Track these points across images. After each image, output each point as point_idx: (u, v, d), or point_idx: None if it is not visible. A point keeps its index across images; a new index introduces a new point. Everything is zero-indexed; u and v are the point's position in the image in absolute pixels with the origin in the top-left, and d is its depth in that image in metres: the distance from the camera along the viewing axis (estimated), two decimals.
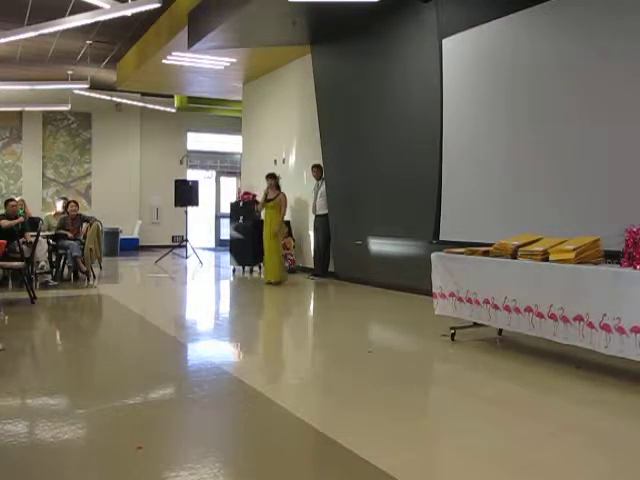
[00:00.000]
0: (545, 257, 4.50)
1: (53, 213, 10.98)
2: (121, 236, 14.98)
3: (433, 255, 5.51)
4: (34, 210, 12.07)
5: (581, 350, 4.38)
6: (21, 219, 8.56)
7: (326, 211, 9.88)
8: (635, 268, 3.92)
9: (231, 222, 11.62)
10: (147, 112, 16.42)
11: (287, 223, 10.94)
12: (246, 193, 11.54)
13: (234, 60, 11.42)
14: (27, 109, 14.99)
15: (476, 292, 5.00)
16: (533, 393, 3.98)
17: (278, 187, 9.46)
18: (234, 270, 11.25)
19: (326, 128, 10.12)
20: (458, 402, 3.87)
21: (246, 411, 3.69)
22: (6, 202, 8.88)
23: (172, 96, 15.52)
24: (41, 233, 8.20)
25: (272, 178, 9.47)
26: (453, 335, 5.31)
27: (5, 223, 8.21)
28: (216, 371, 4.49)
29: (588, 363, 4.50)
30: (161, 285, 10.42)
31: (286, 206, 9.52)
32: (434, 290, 5.45)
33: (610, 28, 5.35)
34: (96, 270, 10.06)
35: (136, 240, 16.12)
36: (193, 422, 3.49)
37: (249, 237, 10.68)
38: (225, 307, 8.53)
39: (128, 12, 7.79)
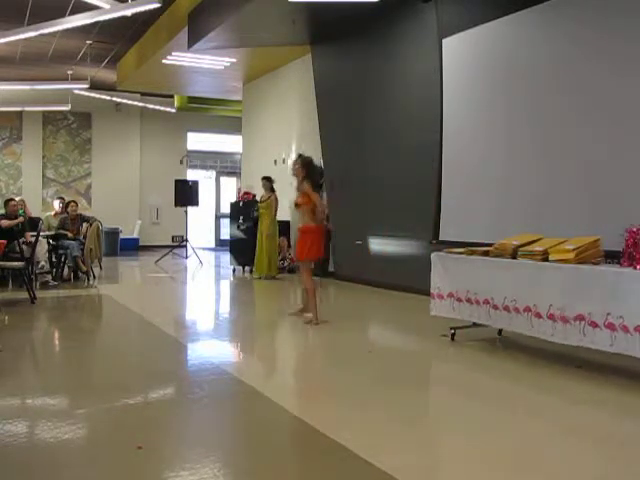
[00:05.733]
0: (545, 257, 4.50)
1: (53, 213, 10.98)
2: (121, 236, 14.98)
3: (433, 255, 5.51)
4: (34, 210, 12.07)
5: (581, 350, 4.38)
6: (21, 219, 8.57)
7: (326, 211, 9.87)
8: (635, 268, 3.93)
9: (231, 222, 11.63)
10: (147, 112, 16.42)
11: (286, 223, 10.94)
12: (246, 193, 11.54)
13: (234, 60, 11.43)
14: (27, 109, 14.98)
15: (476, 292, 5.00)
16: (533, 393, 3.98)
17: (272, 189, 10.08)
18: (234, 270, 11.24)
19: (326, 128, 10.12)
20: (458, 402, 3.87)
21: (246, 411, 3.70)
22: (6, 202, 8.88)
23: (172, 96, 15.53)
24: (41, 233, 8.20)
25: (265, 180, 10.13)
26: (453, 335, 5.31)
27: (5, 223, 8.21)
28: (216, 371, 4.49)
29: (588, 363, 4.50)
30: (161, 285, 10.41)
31: (277, 207, 10.04)
32: (432, 290, 5.45)
33: (609, 29, 5.35)
34: (96, 270, 10.06)
35: (136, 240, 16.12)
36: (193, 422, 3.49)
37: (249, 237, 10.68)
38: (225, 307, 8.53)
39: (128, 12, 7.79)
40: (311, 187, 6.14)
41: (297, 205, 6.25)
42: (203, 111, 16.06)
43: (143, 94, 15.76)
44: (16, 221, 8.37)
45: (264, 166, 12.08)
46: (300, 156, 6.52)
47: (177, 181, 13.84)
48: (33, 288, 7.58)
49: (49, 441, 3.08)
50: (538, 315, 4.43)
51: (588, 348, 4.20)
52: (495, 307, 4.80)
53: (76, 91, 13.91)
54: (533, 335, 4.54)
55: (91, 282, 9.44)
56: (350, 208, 9.45)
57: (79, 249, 9.17)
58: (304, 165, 6.25)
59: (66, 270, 9.48)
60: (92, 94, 14.25)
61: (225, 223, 15.27)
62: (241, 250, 11.06)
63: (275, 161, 11.94)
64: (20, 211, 8.88)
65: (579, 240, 4.41)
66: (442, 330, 5.43)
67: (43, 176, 15.93)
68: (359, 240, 9.20)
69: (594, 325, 4.05)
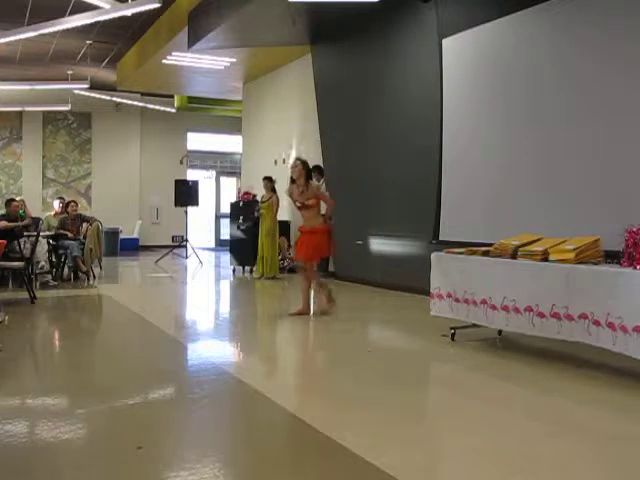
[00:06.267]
0: (545, 257, 4.50)
1: (53, 213, 10.98)
2: (121, 236, 14.98)
3: (433, 255, 5.50)
4: (34, 210, 12.06)
5: (581, 350, 4.38)
6: (27, 221, 8.57)
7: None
8: (635, 268, 3.93)
9: (231, 222, 11.63)
10: (147, 112, 16.43)
11: (286, 223, 10.94)
12: (246, 193, 11.54)
13: (234, 60, 11.43)
14: (27, 109, 14.99)
15: (474, 292, 4.98)
16: (533, 393, 3.98)
17: (273, 189, 10.14)
18: (234, 270, 11.25)
19: (326, 128, 10.12)
20: (458, 402, 3.87)
21: (246, 411, 3.70)
22: (7, 202, 8.87)
23: (172, 96, 15.53)
24: (41, 233, 8.20)
25: (267, 181, 10.18)
26: (453, 335, 5.30)
27: (2, 224, 8.15)
28: (216, 371, 4.49)
29: (589, 363, 4.50)
30: (161, 285, 10.42)
31: (277, 207, 10.07)
32: (432, 290, 5.44)
33: (609, 29, 5.35)
34: (96, 270, 10.06)
35: (136, 240, 16.12)
36: (193, 422, 3.49)
37: (249, 237, 10.69)
38: (225, 307, 8.53)
39: (128, 12, 7.80)
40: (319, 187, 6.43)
41: (306, 206, 6.39)
42: (203, 111, 16.06)
43: (143, 94, 15.77)
44: (13, 224, 8.31)
45: (264, 166, 12.08)
46: (299, 159, 6.65)
47: (177, 181, 13.84)
48: (33, 288, 7.58)
49: (49, 441, 3.08)
50: (541, 314, 4.42)
51: (588, 348, 4.20)
52: (493, 307, 4.80)
53: (76, 91, 13.92)
54: (535, 334, 4.53)
55: (91, 282, 9.44)
56: (350, 208, 9.44)
57: (79, 249, 9.18)
58: (305, 167, 6.42)
59: (66, 270, 9.48)
60: (92, 94, 14.26)
61: (225, 223, 15.27)
62: (241, 250, 11.06)
63: (275, 161, 11.94)
64: (20, 212, 8.88)
65: (579, 240, 4.41)
66: (442, 330, 5.43)
67: (43, 176, 15.94)
68: (359, 240, 9.20)
69: (597, 324, 4.05)
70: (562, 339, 4.32)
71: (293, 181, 6.48)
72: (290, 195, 6.57)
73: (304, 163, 6.48)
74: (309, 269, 6.57)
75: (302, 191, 6.38)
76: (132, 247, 15.62)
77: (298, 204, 6.47)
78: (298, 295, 6.76)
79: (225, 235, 15.26)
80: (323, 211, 6.67)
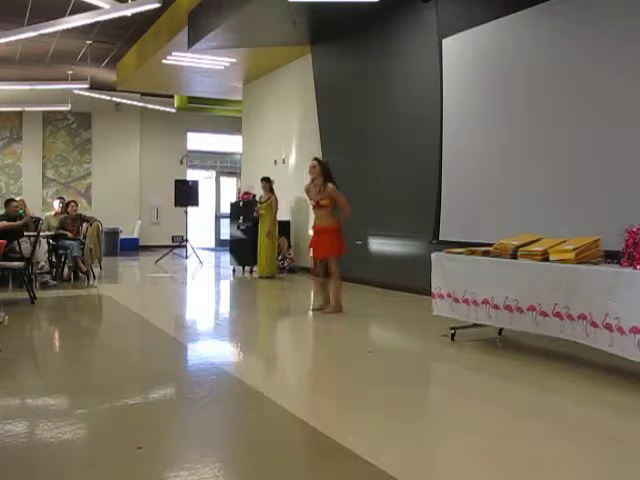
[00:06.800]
0: (545, 257, 4.50)
1: (53, 213, 10.98)
2: (121, 236, 14.99)
3: (433, 255, 5.50)
4: (34, 210, 12.07)
5: (581, 350, 4.38)
6: (25, 219, 8.56)
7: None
8: (635, 268, 3.92)
9: (231, 222, 11.63)
10: (147, 112, 16.42)
11: (287, 223, 10.95)
12: (246, 193, 11.54)
13: (234, 60, 11.43)
14: (27, 109, 14.99)
15: (474, 292, 4.98)
16: (533, 393, 3.98)
17: (271, 190, 10.18)
18: (234, 270, 11.25)
19: (326, 128, 10.12)
20: (458, 402, 3.87)
21: (246, 411, 3.69)
22: (7, 202, 8.87)
23: (172, 96, 15.52)
24: (41, 233, 8.19)
25: (265, 181, 10.22)
26: (453, 335, 5.30)
27: (1, 225, 8.14)
28: (216, 371, 4.49)
29: (588, 363, 4.50)
30: (161, 285, 10.41)
31: (277, 208, 10.08)
32: (433, 290, 5.44)
33: (609, 29, 5.35)
34: (96, 270, 10.05)
35: (136, 240, 16.12)
36: (193, 422, 3.49)
37: (249, 237, 10.69)
38: (225, 307, 8.53)
39: (128, 12, 7.81)
40: (336, 188, 6.55)
41: (320, 206, 6.57)
42: (203, 111, 16.05)
43: (143, 94, 15.76)
44: (15, 223, 8.31)
45: (264, 166, 12.09)
46: (316, 159, 6.83)
47: (177, 181, 13.85)
48: (33, 288, 7.58)
49: (49, 441, 3.08)
50: (544, 314, 4.41)
51: (588, 348, 4.20)
52: (495, 307, 4.80)
53: (76, 91, 13.92)
54: (539, 333, 4.52)
55: (91, 282, 9.43)
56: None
57: (79, 249, 9.17)
58: (323, 168, 6.62)
59: (66, 270, 9.48)
60: (92, 94, 14.26)
61: (225, 223, 15.27)
62: (241, 250, 11.06)
63: (275, 161, 11.94)
64: (21, 211, 8.88)
65: (579, 240, 4.40)
66: (442, 330, 5.43)
67: (43, 176, 15.94)
68: (359, 240, 9.20)
69: (594, 325, 4.05)
70: (566, 338, 4.32)
71: (312, 180, 6.67)
72: (307, 192, 6.76)
73: (321, 163, 6.69)
74: (330, 266, 6.72)
75: (319, 190, 6.57)
76: (132, 247, 15.62)
77: (313, 202, 6.66)
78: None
79: (225, 235, 15.25)
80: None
